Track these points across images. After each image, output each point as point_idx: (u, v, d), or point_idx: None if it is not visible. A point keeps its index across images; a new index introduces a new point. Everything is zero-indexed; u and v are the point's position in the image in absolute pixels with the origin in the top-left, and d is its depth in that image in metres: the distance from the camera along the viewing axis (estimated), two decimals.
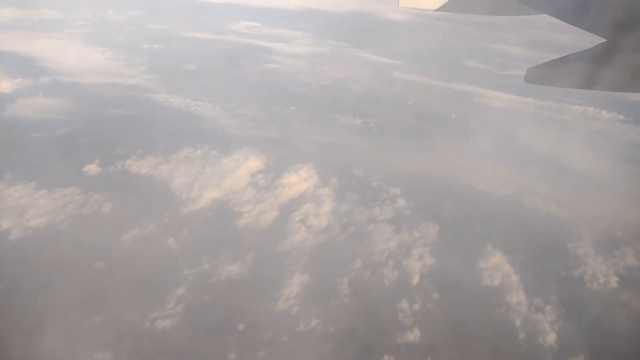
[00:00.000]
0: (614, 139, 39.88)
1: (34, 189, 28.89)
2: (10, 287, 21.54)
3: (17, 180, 29.40)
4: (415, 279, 24.44)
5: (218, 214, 29.32)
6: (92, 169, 32.62)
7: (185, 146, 35.69)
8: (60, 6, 71.74)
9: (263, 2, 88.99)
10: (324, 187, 32.04)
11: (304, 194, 31.47)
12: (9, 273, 22.24)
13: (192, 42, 62.98)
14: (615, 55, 4.28)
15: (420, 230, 28.24)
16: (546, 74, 4.86)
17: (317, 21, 74.62)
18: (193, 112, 42.44)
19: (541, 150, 36.37)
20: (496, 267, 25.59)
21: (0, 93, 42.28)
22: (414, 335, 20.89)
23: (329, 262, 25.50)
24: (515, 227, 28.41)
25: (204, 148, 35.93)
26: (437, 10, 6.89)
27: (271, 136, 38.95)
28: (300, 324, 21.07)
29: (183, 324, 20.99)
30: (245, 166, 34.76)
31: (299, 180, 32.90)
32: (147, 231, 26.58)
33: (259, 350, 19.76)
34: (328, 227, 28.33)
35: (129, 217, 27.56)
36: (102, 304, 21.23)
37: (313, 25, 71.95)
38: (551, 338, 20.93)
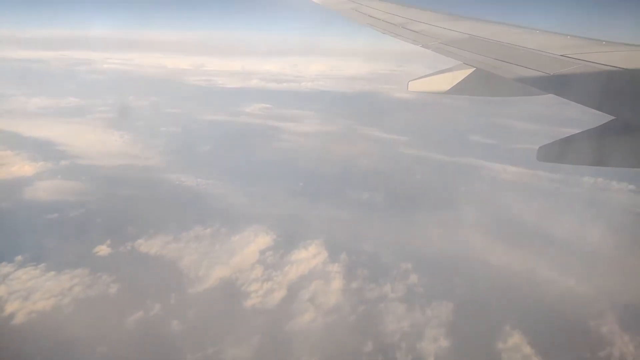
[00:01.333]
0: (627, 209, 39.16)
1: (43, 270, 29.03)
2: None
3: (28, 261, 29.67)
4: None
5: (225, 294, 28.79)
6: (102, 249, 32.90)
7: (196, 225, 36.03)
8: (85, 93, 76.62)
9: (275, 85, 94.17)
10: (333, 264, 31.58)
11: (313, 271, 30.98)
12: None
13: (208, 125, 65.80)
14: (624, 133, 4.36)
15: (433, 308, 27.22)
16: (558, 151, 4.78)
17: (327, 102, 77.88)
18: (204, 191, 43.32)
19: (553, 224, 35.73)
20: (516, 349, 24.23)
21: (22, 177, 44.10)
22: None
23: (339, 345, 24.42)
24: (533, 304, 27.16)
25: (214, 226, 36.21)
26: (445, 93, 6.99)
27: (281, 213, 39.19)
28: None
29: None
30: (255, 243, 34.71)
31: (308, 256, 32.57)
32: (152, 313, 26.09)
33: None
34: (337, 306, 27.49)
35: (136, 298, 27.20)
36: None
37: (323, 106, 75.04)
38: None
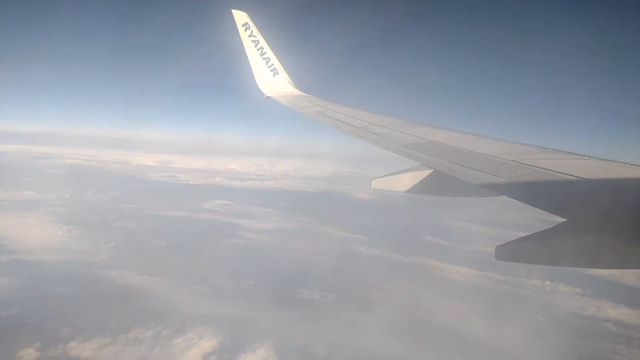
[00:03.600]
0: (573, 313, 39.38)
1: None
2: None
3: None
4: None
5: None
6: (28, 353, 30.48)
7: (137, 326, 34.19)
8: (43, 187, 75.76)
9: (238, 183, 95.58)
10: None
11: None
12: None
13: (165, 220, 65.18)
14: (575, 235, 4.58)
15: None
16: (516, 251, 4.88)
17: (288, 200, 79.03)
18: (149, 289, 41.64)
19: (500, 330, 35.34)
20: None
21: None
22: None
23: None
24: None
25: (156, 328, 34.41)
26: (405, 192, 7.31)
27: (228, 313, 37.76)
28: None
29: None
30: (198, 346, 32.88)
31: None
32: None
33: None
34: None
35: None
36: None
37: (283, 204, 75.95)
38: None
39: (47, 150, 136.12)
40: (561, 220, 4.74)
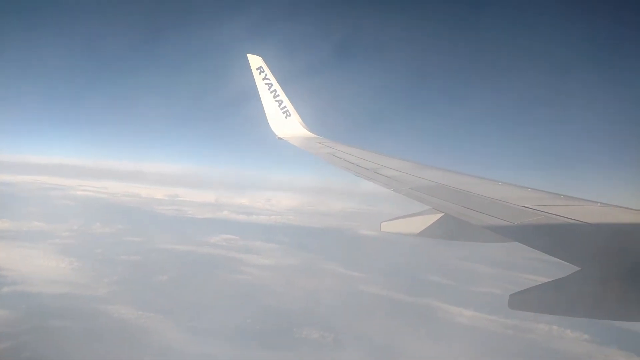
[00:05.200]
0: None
1: None
2: None
3: None
4: None
5: None
6: None
7: None
8: (51, 218, 76.23)
9: (244, 218, 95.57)
10: None
11: None
12: None
13: (169, 254, 65.00)
14: (592, 285, 4.55)
15: None
16: (529, 300, 4.86)
17: (293, 235, 78.69)
18: (145, 326, 41.08)
19: None
20: None
21: None
22: None
23: None
24: None
25: None
26: (417, 235, 7.20)
27: (224, 352, 37.11)
28: None
29: None
30: None
31: None
32: None
33: None
34: None
35: None
36: None
37: (289, 239, 75.60)
38: None
39: (58, 182, 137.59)
40: (574, 267, 4.72)
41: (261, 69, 12.76)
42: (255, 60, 12.79)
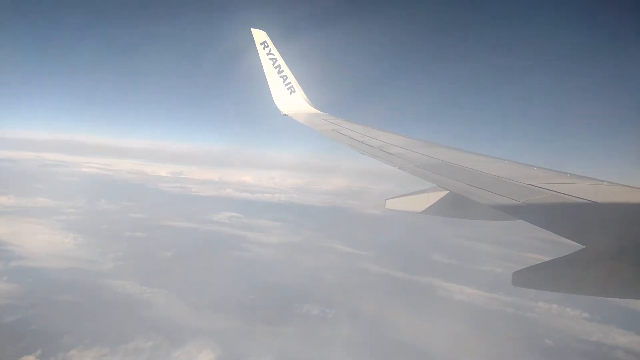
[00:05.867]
0: (579, 338, 38.70)
1: None
2: None
3: None
4: None
5: None
6: None
7: (137, 336, 34.25)
8: (56, 195, 76.69)
9: (248, 196, 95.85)
10: None
11: None
12: None
13: (174, 231, 65.51)
14: (595, 263, 4.48)
15: None
16: (533, 278, 4.80)
17: (297, 213, 79.01)
18: (150, 300, 41.70)
19: (505, 355, 34.86)
20: None
21: None
22: None
23: None
24: None
25: (156, 339, 34.44)
26: (421, 212, 7.13)
27: (228, 326, 37.70)
28: None
29: None
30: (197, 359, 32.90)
31: None
32: None
33: None
34: None
35: None
36: None
37: (293, 217, 75.95)
38: None
39: (62, 159, 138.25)
40: (578, 245, 4.71)
41: (265, 44, 12.54)
42: (259, 35, 12.56)
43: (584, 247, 4.68)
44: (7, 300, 39.16)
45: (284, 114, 12.57)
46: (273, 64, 12.64)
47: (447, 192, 6.90)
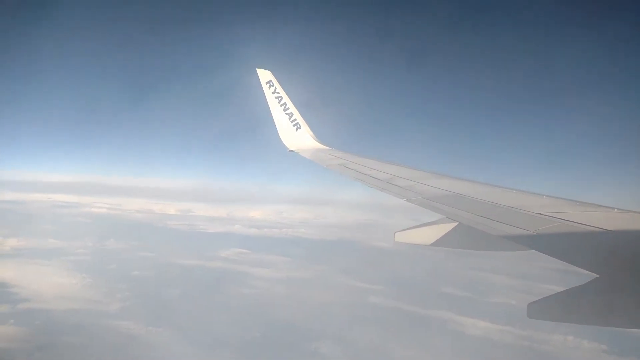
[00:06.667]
0: None
1: None
2: None
3: None
4: None
5: None
6: None
7: None
8: (66, 236, 77.12)
9: (256, 231, 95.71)
10: None
11: None
12: None
13: (182, 269, 65.28)
14: (610, 293, 4.49)
15: None
16: (548, 309, 4.84)
17: (305, 248, 78.56)
18: (154, 341, 41.11)
19: None
20: None
21: None
22: None
23: None
24: None
25: None
26: (431, 245, 7.14)
27: None
28: None
29: None
30: None
31: None
32: None
33: None
34: None
35: None
36: None
37: (301, 252, 75.46)
38: None
39: (72, 199, 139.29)
40: (591, 275, 4.68)
41: (271, 83, 12.98)
42: (264, 75, 13.02)
43: (598, 276, 4.64)
44: (14, 343, 38.92)
45: (291, 150, 12.83)
46: (279, 102, 13.03)
47: (457, 223, 6.91)
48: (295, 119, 13.16)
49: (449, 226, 7.04)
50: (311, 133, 13.37)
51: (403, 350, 40.40)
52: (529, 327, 44.10)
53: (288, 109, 13.09)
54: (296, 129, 13.13)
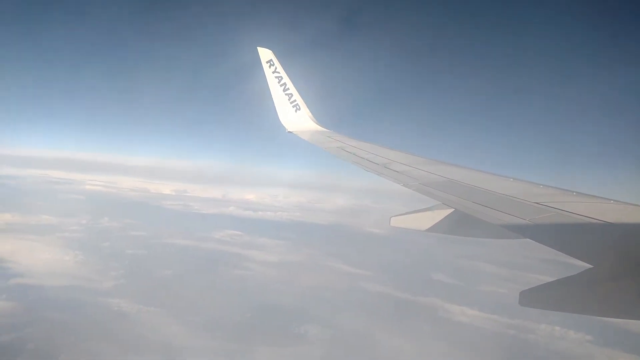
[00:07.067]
0: None
1: None
2: None
3: None
4: None
5: None
6: None
7: (132, 356, 34.30)
8: (60, 212, 76.89)
9: (251, 214, 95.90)
10: None
11: None
12: None
13: (175, 249, 65.46)
14: (604, 283, 4.46)
15: None
16: (540, 298, 4.83)
17: (298, 231, 78.90)
18: (145, 320, 41.44)
19: None
20: None
21: None
22: None
23: None
24: None
25: (153, 359, 34.39)
26: (426, 231, 7.10)
27: (225, 347, 37.44)
28: None
29: None
30: None
31: None
32: None
33: None
34: None
35: None
36: None
37: (294, 235, 75.79)
38: None
39: (66, 176, 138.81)
40: (585, 266, 4.68)
41: (271, 62, 12.86)
42: (265, 54, 12.89)
43: (592, 266, 4.65)
44: (5, 318, 39.07)
45: (289, 132, 12.79)
46: (279, 82, 12.92)
47: (453, 210, 6.92)
48: (294, 100, 13.08)
49: (445, 212, 7.05)
50: (310, 115, 13.31)
51: (391, 335, 40.95)
52: (516, 317, 44.80)
53: (288, 89, 13.00)
54: (295, 110, 13.07)
